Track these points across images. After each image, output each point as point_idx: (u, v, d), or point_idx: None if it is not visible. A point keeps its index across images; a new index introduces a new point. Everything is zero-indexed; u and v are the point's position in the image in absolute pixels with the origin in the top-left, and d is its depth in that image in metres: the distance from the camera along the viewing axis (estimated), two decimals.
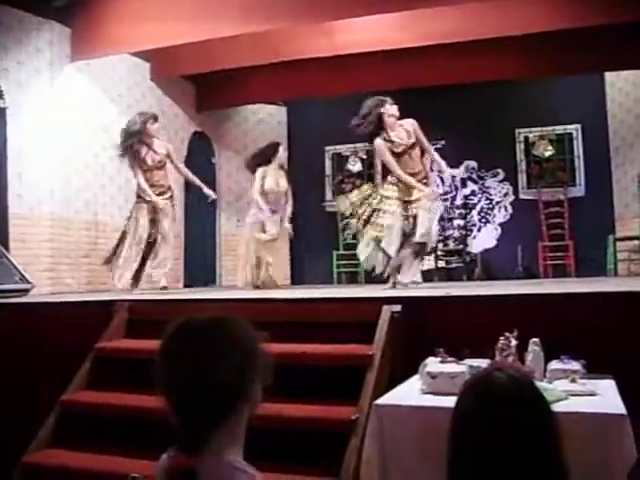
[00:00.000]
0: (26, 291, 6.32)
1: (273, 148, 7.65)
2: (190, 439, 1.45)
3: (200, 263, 9.79)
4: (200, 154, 9.84)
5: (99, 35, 7.45)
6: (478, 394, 1.54)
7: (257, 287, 7.34)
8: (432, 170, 7.09)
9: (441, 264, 9.71)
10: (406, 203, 6.01)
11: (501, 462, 1.43)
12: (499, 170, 10.05)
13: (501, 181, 9.62)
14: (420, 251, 6.15)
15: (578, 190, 9.86)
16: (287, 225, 7.62)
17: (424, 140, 6.20)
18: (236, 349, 1.49)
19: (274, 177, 7.47)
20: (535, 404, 1.51)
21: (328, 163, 10.69)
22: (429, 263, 10.19)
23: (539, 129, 9.88)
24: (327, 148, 10.67)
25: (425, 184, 6.09)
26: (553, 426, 1.49)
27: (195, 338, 1.49)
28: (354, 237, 9.48)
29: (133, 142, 6.70)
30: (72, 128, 7.62)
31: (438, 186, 10.24)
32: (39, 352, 4.75)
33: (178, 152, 8.81)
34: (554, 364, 3.16)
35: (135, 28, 7.19)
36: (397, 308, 3.94)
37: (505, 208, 9.82)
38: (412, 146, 6.09)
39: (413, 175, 6.04)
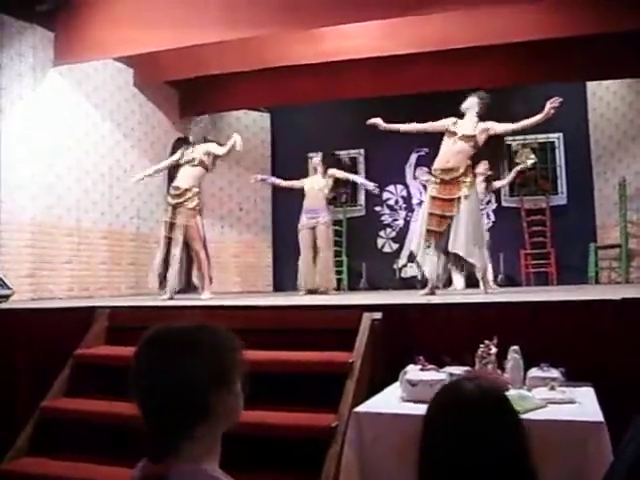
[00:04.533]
0: (6, 297, 6.27)
1: None
2: (159, 447, 1.45)
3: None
4: None
5: (82, 40, 7.41)
6: (444, 402, 1.55)
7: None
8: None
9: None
10: None
11: (466, 472, 1.43)
12: None
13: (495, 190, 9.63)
14: None
15: (560, 198, 9.93)
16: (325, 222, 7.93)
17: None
18: (210, 357, 1.48)
19: (310, 180, 8.21)
20: (501, 416, 1.50)
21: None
22: (411, 270, 10.24)
23: (522, 137, 9.90)
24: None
25: None
26: (520, 438, 1.48)
27: (168, 346, 1.49)
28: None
29: None
30: (55, 133, 7.58)
31: (421, 193, 10.29)
32: (18, 358, 4.71)
33: (161, 158, 8.80)
34: (533, 372, 3.17)
35: (118, 33, 7.16)
36: (377, 315, 3.94)
37: (487, 216, 9.84)
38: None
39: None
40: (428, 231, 5.90)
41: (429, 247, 5.92)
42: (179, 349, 1.47)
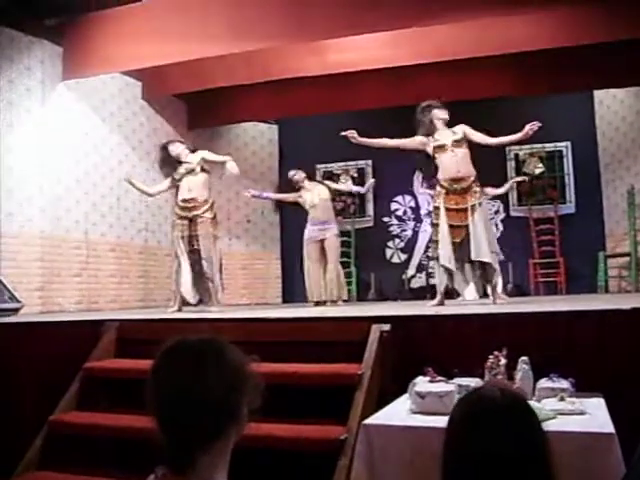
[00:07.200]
0: (16, 310, 6.29)
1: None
2: (178, 459, 1.45)
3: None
4: None
5: (91, 54, 7.47)
6: (469, 406, 1.55)
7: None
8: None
9: (433, 281, 9.69)
10: None
11: (490, 475, 1.42)
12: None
13: (492, 199, 9.62)
14: None
15: (568, 207, 9.90)
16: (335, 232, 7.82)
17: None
18: (227, 370, 1.50)
19: (312, 193, 7.87)
20: (527, 420, 1.50)
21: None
22: (420, 280, 10.23)
23: (529, 146, 9.89)
24: (318, 166, 10.69)
25: None
26: (543, 443, 1.48)
27: (187, 358, 1.49)
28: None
29: None
30: (63, 146, 7.63)
31: (429, 203, 10.27)
32: (27, 372, 4.72)
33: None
34: (543, 382, 3.15)
35: (126, 48, 7.21)
36: (386, 327, 3.93)
37: (496, 225, 9.83)
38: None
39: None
40: (453, 243, 5.86)
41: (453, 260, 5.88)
42: (199, 361, 1.48)
